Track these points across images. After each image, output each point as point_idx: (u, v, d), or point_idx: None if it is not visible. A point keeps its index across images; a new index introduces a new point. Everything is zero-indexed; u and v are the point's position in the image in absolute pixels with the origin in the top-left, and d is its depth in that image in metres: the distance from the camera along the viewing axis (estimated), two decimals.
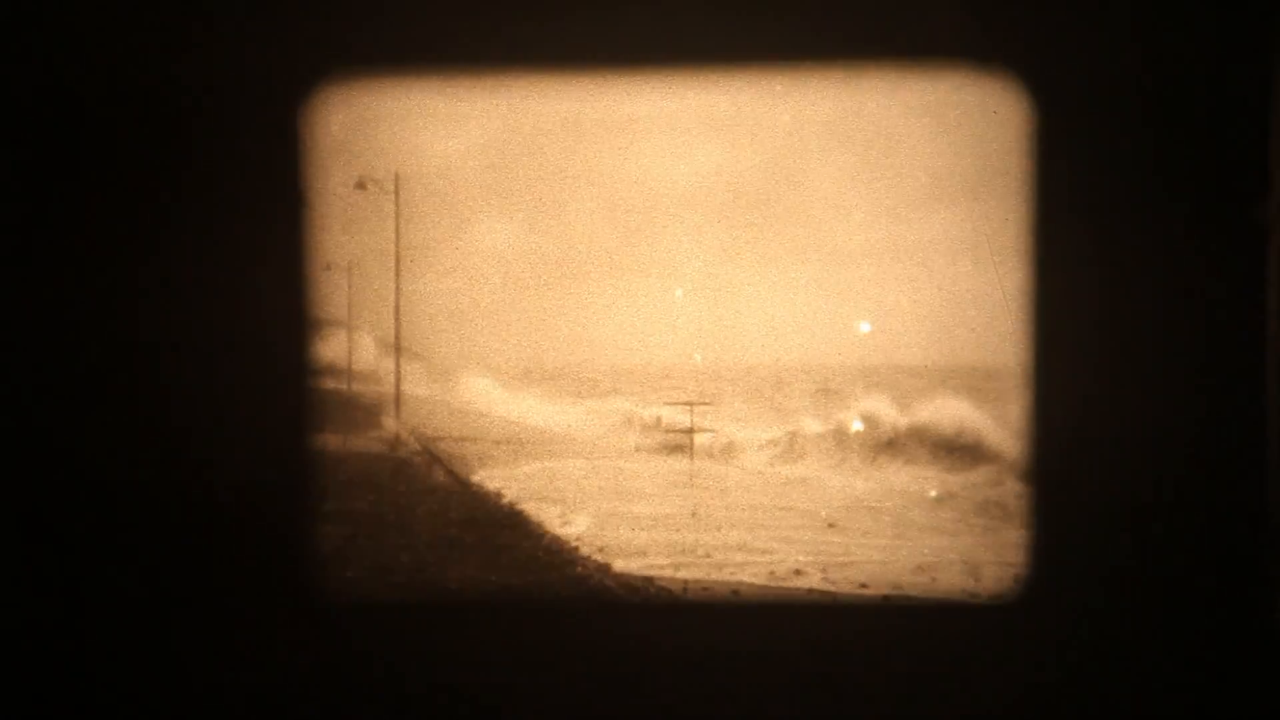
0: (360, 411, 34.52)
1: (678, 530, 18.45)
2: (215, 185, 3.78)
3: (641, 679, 3.72)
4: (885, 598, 12.99)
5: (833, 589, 14.02)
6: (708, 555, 16.18)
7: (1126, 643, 3.62)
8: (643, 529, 18.44)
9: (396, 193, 32.78)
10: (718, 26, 3.63)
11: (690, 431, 33.28)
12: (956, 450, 27.79)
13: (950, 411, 29.48)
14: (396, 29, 3.71)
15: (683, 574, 14.78)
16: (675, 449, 33.10)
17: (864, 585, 14.17)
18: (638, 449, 33.75)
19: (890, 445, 29.51)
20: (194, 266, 3.79)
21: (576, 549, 15.97)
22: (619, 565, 15.05)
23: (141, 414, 3.82)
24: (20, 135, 3.79)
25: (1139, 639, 3.60)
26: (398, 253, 33.60)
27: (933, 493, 23.86)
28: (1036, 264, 3.59)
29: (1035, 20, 3.52)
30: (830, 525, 19.23)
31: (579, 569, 14.59)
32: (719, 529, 18.56)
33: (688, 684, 3.70)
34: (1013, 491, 22.61)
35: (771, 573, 15.01)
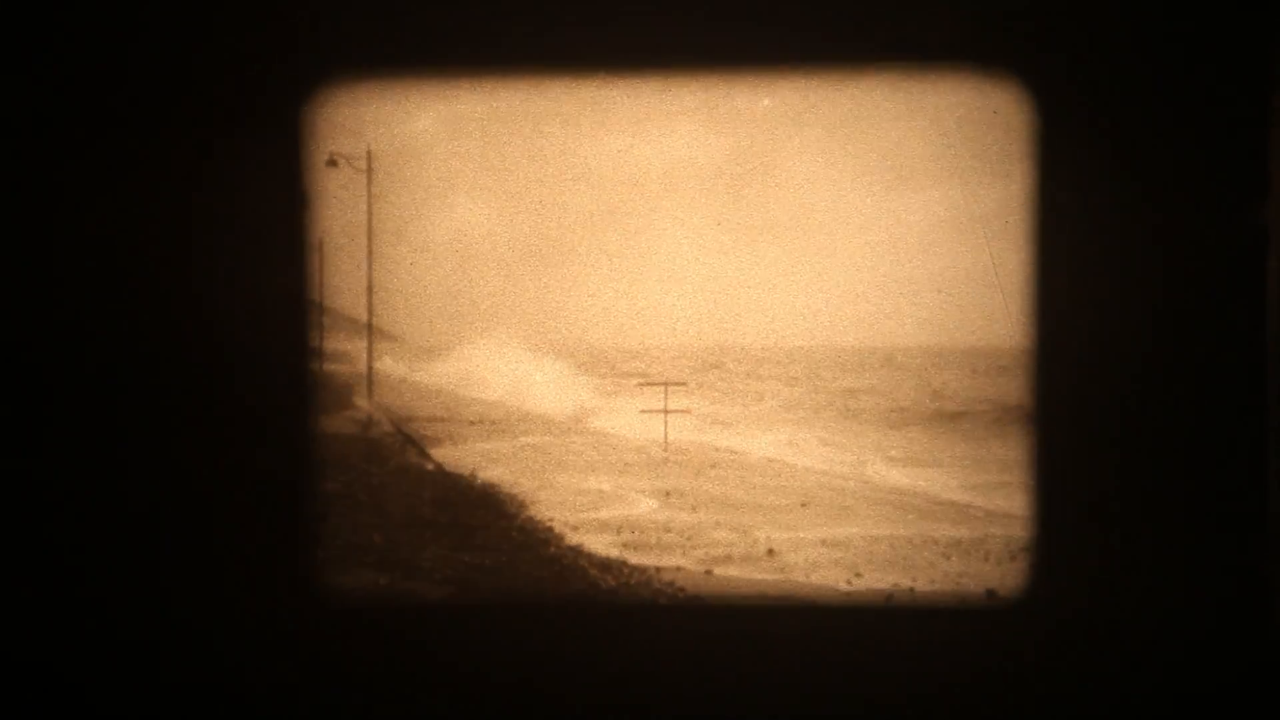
0: (332, 392, 34.40)
1: (651, 509, 18.47)
2: (216, 185, 3.76)
3: (644, 680, 3.72)
4: (889, 597, 13.03)
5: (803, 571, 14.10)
6: (681, 534, 16.21)
7: (1126, 643, 3.63)
8: (617, 508, 18.46)
9: (369, 170, 32.56)
10: (718, 29, 3.60)
11: (664, 412, 33.34)
12: None
13: None
14: (397, 29, 3.68)
15: (656, 553, 14.81)
16: (649, 428, 33.13)
17: (834, 565, 14.25)
18: (612, 428, 33.76)
19: None
20: (194, 266, 3.77)
21: (550, 528, 15.97)
22: (591, 544, 15.05)
23: (141, 411, 3.80)
24: (22, 133, 3.76)
25: (1139, 639, 3.61)
26: (370, 231, 33.40)
27: None
28: (1037, 265, 3.59)
29: (1035, 21, 3.51)
30: (803, 505, 19.31)
31: (552, 549, 14.60)
32: (693, 509, 18.60)
33: (689, 687, 3.69)
34: None
35: (746, 554, 15.05)
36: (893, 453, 26.71)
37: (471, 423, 33.14)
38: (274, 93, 3.71)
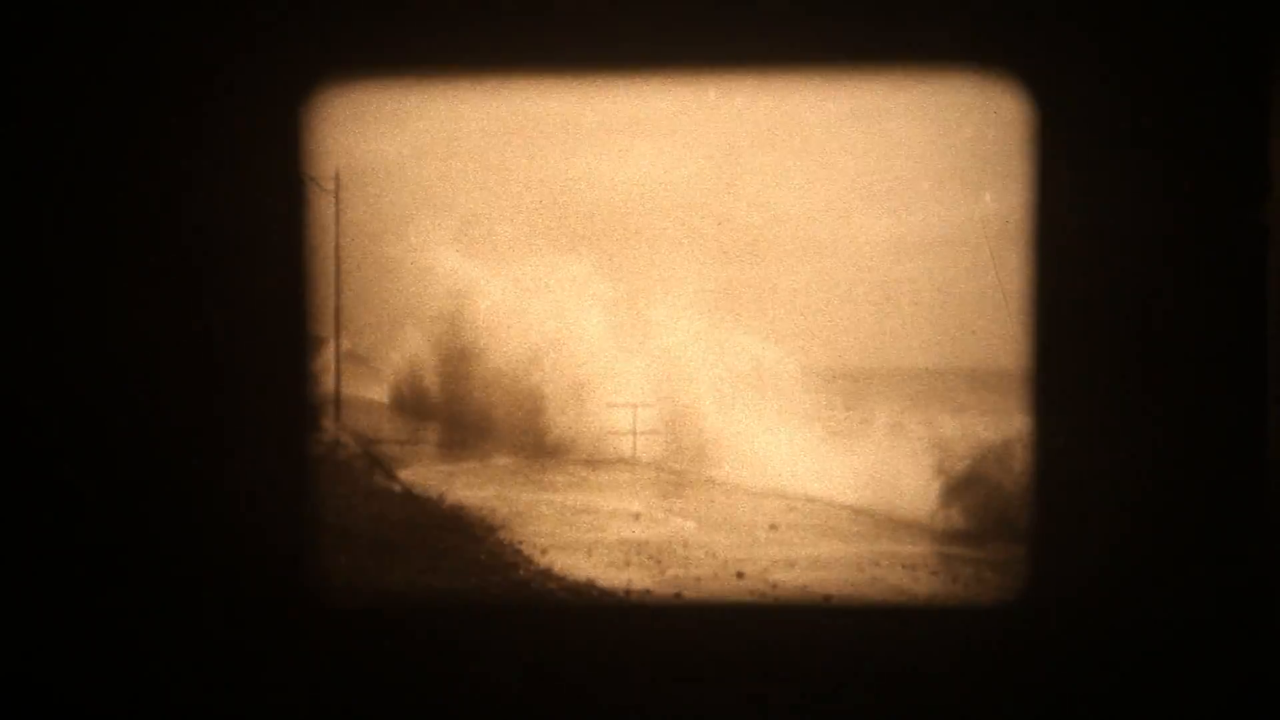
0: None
1: (621, 531, 18.43)
2: (215, 184, 3.75)
3: (642, 680, 3.69)
4: (888, 600, 13.04)
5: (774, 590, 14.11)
6: (650, 556, 16.18)
7: (1126, 644, 3.63)
8: (586, 530, 18.40)
9: (337, 191, 32.51)
10: (717, 30, 3.60)
11: (633, 434, 33.32)
12: None
13: None
14: (395, 30, 3.67)
15: (627, 575, 14.77)
16: (618, 450, 33.10)
17: (804, 587, 14.25)
18: (580, 450, 33.70)
19: None
20: (193, 266, 3.75)
21: (519, 551, 15.90)
22: (561, 567, 14.99)
23: (142, 415, 3.77)
24: (21, 136, 3.74)
25: (1139, 640, 3.61)
26: (337, 252, 33.31)
27: None
28: (1036, 264, 3.59)
29: (1035, 22, 3.52)
30: (772, 527, 19.32)
31: (520, 572, 14.53)
32: (661, 531, 18.57)
33: (687, 688, 3.66)
34: None
35: (715, 576, 15.04)
36: (864, 473, 26.77)
37: (439, 445, 33.00)
38: (272, 93, 3.69)
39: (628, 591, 13.84)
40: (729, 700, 3.66)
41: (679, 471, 29.37)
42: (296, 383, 3.72)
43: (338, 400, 33.82)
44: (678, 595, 13.91)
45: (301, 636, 3.80)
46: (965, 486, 21.79)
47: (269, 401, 3.75)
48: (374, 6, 3.67)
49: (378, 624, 3.86)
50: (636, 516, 20.08)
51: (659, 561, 15.94)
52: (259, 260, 3.74)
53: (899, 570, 15.71)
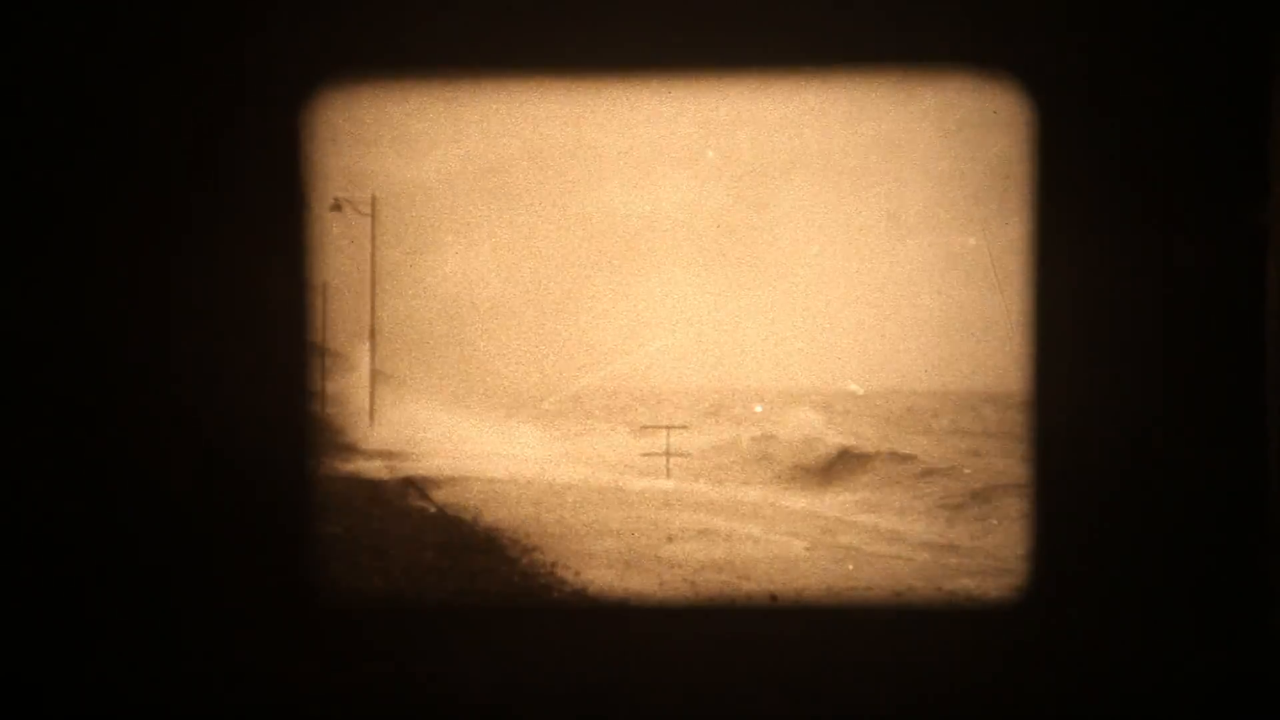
0: (333, 434, 34.37)
1: (654, 552, 18.42)
2: (216, 188, 3.79)
3: (642, 681, 3.70)
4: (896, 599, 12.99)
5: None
6: (684, 578, 16.16)
7: (1127, 644, 3.61)
8: (619, 552, 18.40)
9: (373, 215, 32.79)
10: (717, 32, 3.62)
11: (666, 455, 33.33)
12: None
13: None
14: (396, 33, 3.71)
15: (660, 595, 14.76)
16: (651, 471, 33.11)
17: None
18: (613, 472, 33.75)
19: None
20: (195, 269, 3.79)
21: (553, 572, 15.91)
22: (595, 588, 15.00)
23: (145, 419, 3.81)
24: (20, 138, 3.79)
25: (1140, 640, 3.59)
26: (373, 275, 33.58)
27: None
28: (1037, 265, 3.59)
29: (1035, 24, 3.53)
30: (808, 549, 19.26)
31: (555, 594, 14.54)
32: (694, 552, 18.54)
33: (685, 689, 3.67)
34: None
35: (749, 598, 15.01)
36: (882, 498, 26.69)
37: (473, 473, 33.08)
38: (274, 97, 3.73)
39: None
40: (714, 697, 3.67)
41: (711, 492, 29.34)
42: (297, 385, 3.75)
43: (371, 416, 34.01)
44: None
45: (305, 641, 3.82)
46: None
47: (270, 402, 3.78)
48: (376, 12, 3.70)
49: (378, 626, 3.89)
50: (670, 539, 20.06)
51: (693, 584, 15.92)
52: (260, 261, 3.78)
53: (929, 587, 15.66)
